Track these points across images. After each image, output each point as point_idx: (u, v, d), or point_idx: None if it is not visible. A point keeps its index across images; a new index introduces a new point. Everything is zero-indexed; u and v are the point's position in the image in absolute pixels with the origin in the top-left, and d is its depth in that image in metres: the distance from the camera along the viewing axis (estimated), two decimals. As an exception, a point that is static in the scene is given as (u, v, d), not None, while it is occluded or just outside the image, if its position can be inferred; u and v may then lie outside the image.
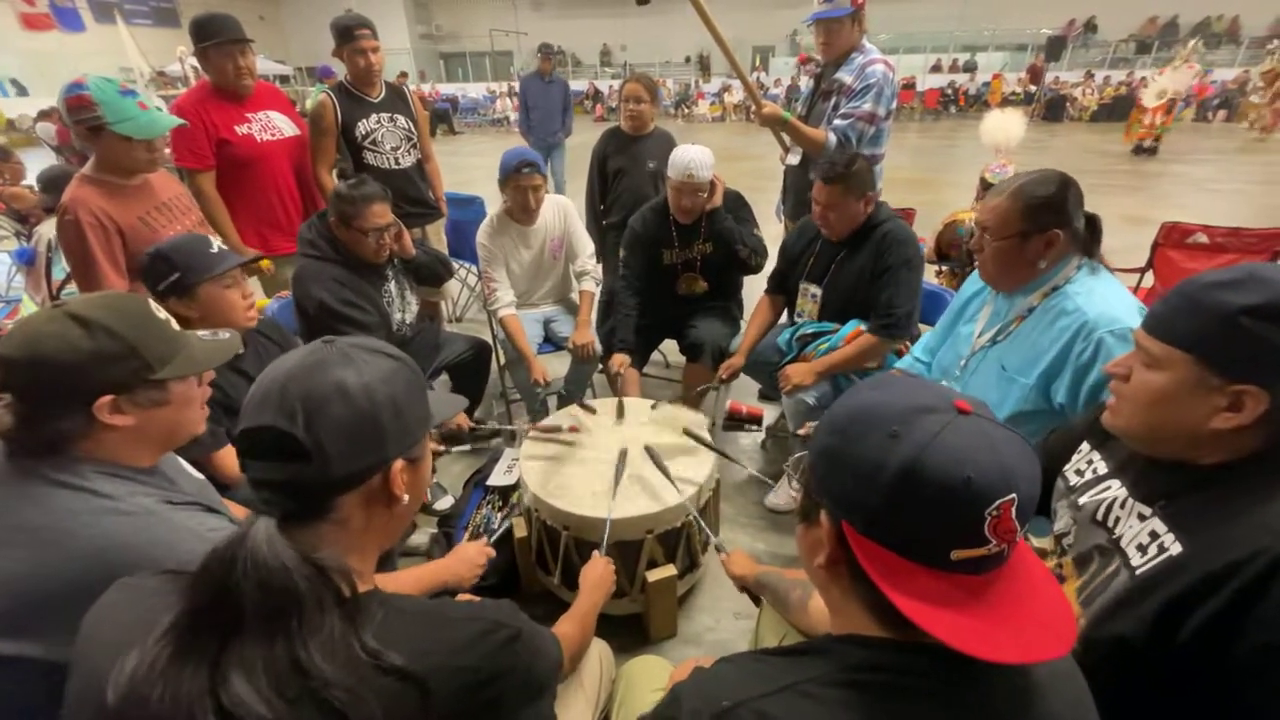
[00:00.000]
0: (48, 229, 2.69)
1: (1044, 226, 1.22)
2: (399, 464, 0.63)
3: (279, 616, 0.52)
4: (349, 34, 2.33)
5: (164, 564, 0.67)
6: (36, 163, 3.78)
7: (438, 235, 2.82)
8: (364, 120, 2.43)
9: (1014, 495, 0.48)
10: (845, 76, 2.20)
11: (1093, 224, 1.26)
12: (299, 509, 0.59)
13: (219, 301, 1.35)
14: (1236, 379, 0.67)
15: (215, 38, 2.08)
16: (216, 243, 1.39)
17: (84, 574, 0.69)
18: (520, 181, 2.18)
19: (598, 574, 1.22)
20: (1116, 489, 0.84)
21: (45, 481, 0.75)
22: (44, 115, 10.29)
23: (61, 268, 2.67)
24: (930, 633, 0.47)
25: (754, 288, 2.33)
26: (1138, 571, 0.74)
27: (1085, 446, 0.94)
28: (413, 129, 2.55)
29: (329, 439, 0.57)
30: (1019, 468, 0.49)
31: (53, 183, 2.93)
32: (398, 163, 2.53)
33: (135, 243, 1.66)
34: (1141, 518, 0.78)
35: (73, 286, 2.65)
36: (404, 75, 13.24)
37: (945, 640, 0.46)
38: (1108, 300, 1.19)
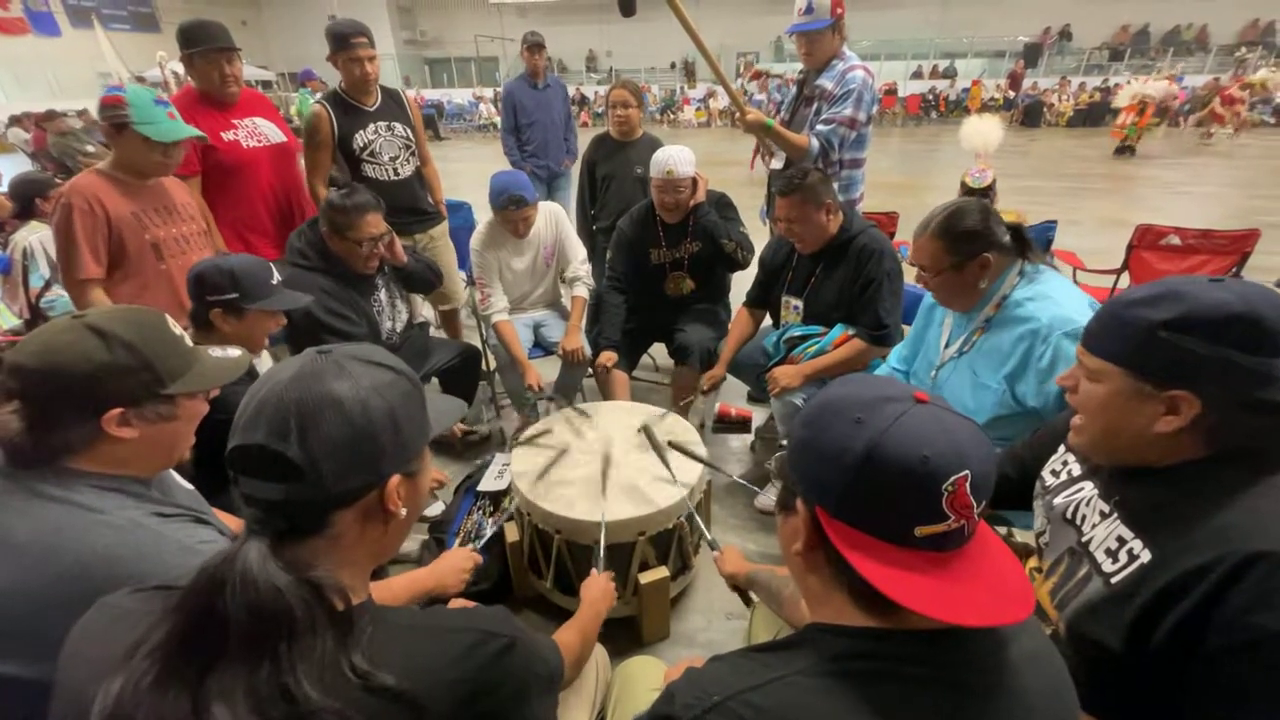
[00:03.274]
0: (23, 236, 2.65)
1: (973, 254, 1.34)
2: (395, 479, 0.61)
3: (266, 640, 0.50)
4: (345, 41, 2.27)
5: (151, 577, 0.66)
6: (12, 169, 3.70)
7: (443, 239, 2.76)
8: (361, 132, 2.38)
9: (968, 472, 0.52)
10: (826, 83, 2.25)
11: (1017, 233, 1.36)
12: (292, 527, 0.57)
13: (257, 327, 1.45)
14: (1168, 385, 0.71)
15: (203, 45, 2.07)
16: (277, 275, 1.50)
17: (68, 590, 0.68)
18: (508, 215, 2.20)
19: (599, 589, 1.19)
20: (1089, 490, 0.87)
21: (33, 495, 0.74)
22: (15, 121, 10.07)
23: (39, 275, 2.63)
24: (896, 599, 0.50)
25: (742, 291, 2.36)
26: (1113, 579, 0.76)
27: (1062, 447, 0.97)
28: (411, 136, 2.52)
29: (323, 456, 0.55)
30: (971, 448, 0.53)
31: (23, 189, 2.89)
32: (397, 173, 2.49)
33: (122, 234, 1.74)
34: (1103, 515, 0.82)
35: (51, 294, 2.61)
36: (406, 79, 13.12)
37: (909, 605, 0.50)
38: (1058, 302, 1.28)
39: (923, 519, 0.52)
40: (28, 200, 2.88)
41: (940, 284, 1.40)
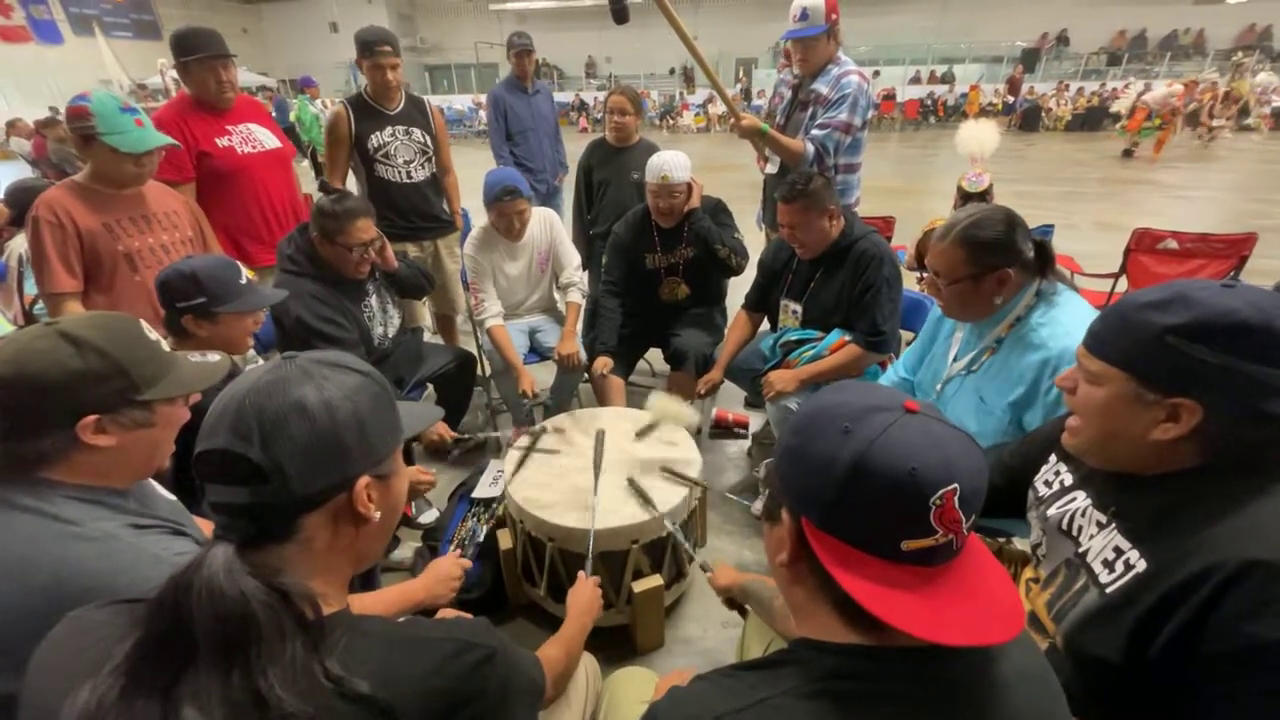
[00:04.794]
0: (18, 244, 2.65)
1: (993, 267, 1.25)
2: (364, 481, 0.61)
3: (236, 646, 0.50)
4: (370, 49, 2.37)
5: (126, 590, 0.65)
6: (13, 177, 3.72)
7: (450, 249, 2.78)
8: (377, 133, 2.44)
9: (956, 485, 0.50)
10: (821, 87, 2.25)
11: (1041, 251, 1.28)
12: (260, 532, 0.57)
13: (233, 329, 1.41)
14: (1170, 392, 0.69)
15: (197, 53, 2.07)
16: (246, 274, 1.44)
17: (43, 604, 0.67)
18: (504, 208, 2.19)
19: (586, 598, 1.18)
20: (1082, 500, 0.86)
21: (7, 506, 0.73)
22: (10, 127, 10.03)
23: (34, 282, 2.62)
24: (880, 617, 0.49)
25: (738, 296, 2.35)
26: (1107, 590, 0.75)
27: (1054, 457, 0.96)
28: (429, 143, 2.56)
29: (287, 458, 0.55)
30: (961, 461, 0.51)
31: (19, 196, 2.88)
32: (409, 176, 2.53)
33: (95, 246, 1.71)
34: (1100, 525, 0.80)
35: (47, 302, 2.61)
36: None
37: (894, 623, 0.48)
38: (1069, 331, 1.21)
39: (909, 533, 0.51)
40: (24, 207, 2.87)
41: (953, 294, 1.31)
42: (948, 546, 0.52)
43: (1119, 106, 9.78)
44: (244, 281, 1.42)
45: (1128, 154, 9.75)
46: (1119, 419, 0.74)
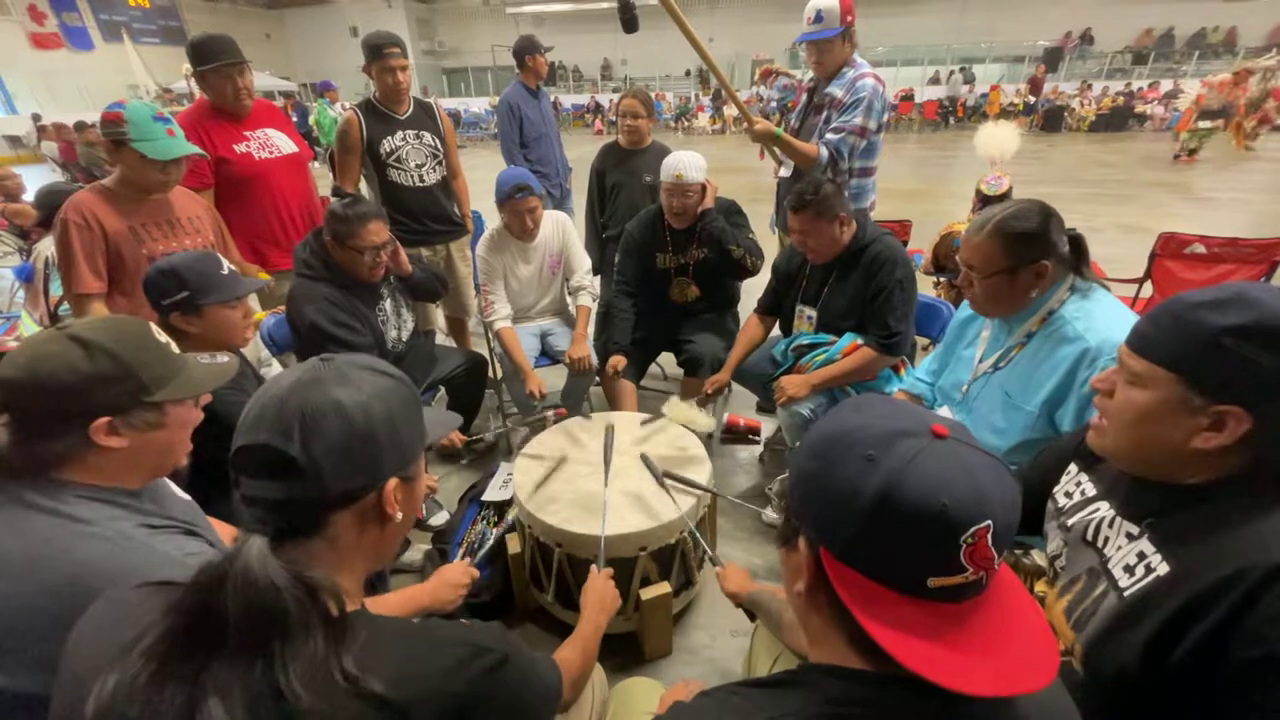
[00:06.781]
0: (46, 246, 2.72)
1: (1030, 259, 1.22)
2: (393, 483, 0.63)
3: (262, 638, 0.51)
4: (379, 52, 2.36)
5: None
6: (42, 180, 3.82)
7: (462, 252, 2.80)
8: (389, 138, 2.44)
9: (990, 522, 0.47)
10: (836, 91, 2.22)
11: (1077, 244, 1.25)
12: (291, 527, 0.59)
13: (222, 321, 1.40)
14: (1218, 399, 0.66)
15: (214, 61, 2.11)
16: (227, 264, 1.44)
17: (57, 602, 0.68)
18: (516, 206, 2.20)
19: (599, 593, 1.17)
20: (1105, 510, 0.83)
21: (23, 506, 0.74)
22: (41, 131, 10.31)
23: (59, 284, 2.69)
24: (905, 664, 0.46)
25: (751, 302, 2.33)
26: (1125, 593, 0.73)
27: (1074, 468, 0.93)
28: (439, 146, 2.57)
29: (324, 457, 0.57)
30: (996, 494, 0.48)
31: (48, 199, 2.96)
32: (422, 180, 2.54)
33: (120, 249, 1.75)
34: (1130, 537, 0.78)
35: (72, 302, 2.67)
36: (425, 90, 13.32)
37: (920, 672, 0.46)
38: (1108, 324, 1.18)
39: (938, 570, 0.47)
40: (52, 210, 2.95)
41: (987, 287, 1.27)
42: (977, 584, 0.49)
43: (1179, 106, 9.36)
44: (225, 272, 1.40)
45: (1178, 158, 9.41)
46: (1159, 424, 0.71)
